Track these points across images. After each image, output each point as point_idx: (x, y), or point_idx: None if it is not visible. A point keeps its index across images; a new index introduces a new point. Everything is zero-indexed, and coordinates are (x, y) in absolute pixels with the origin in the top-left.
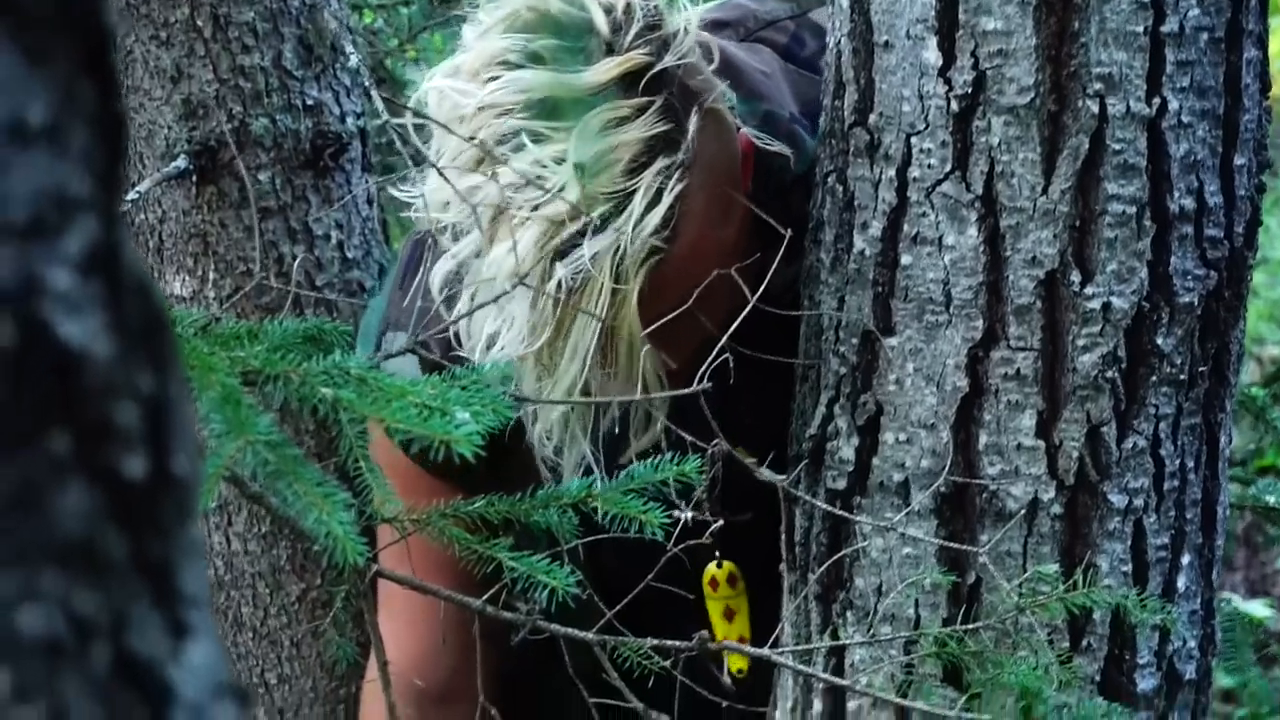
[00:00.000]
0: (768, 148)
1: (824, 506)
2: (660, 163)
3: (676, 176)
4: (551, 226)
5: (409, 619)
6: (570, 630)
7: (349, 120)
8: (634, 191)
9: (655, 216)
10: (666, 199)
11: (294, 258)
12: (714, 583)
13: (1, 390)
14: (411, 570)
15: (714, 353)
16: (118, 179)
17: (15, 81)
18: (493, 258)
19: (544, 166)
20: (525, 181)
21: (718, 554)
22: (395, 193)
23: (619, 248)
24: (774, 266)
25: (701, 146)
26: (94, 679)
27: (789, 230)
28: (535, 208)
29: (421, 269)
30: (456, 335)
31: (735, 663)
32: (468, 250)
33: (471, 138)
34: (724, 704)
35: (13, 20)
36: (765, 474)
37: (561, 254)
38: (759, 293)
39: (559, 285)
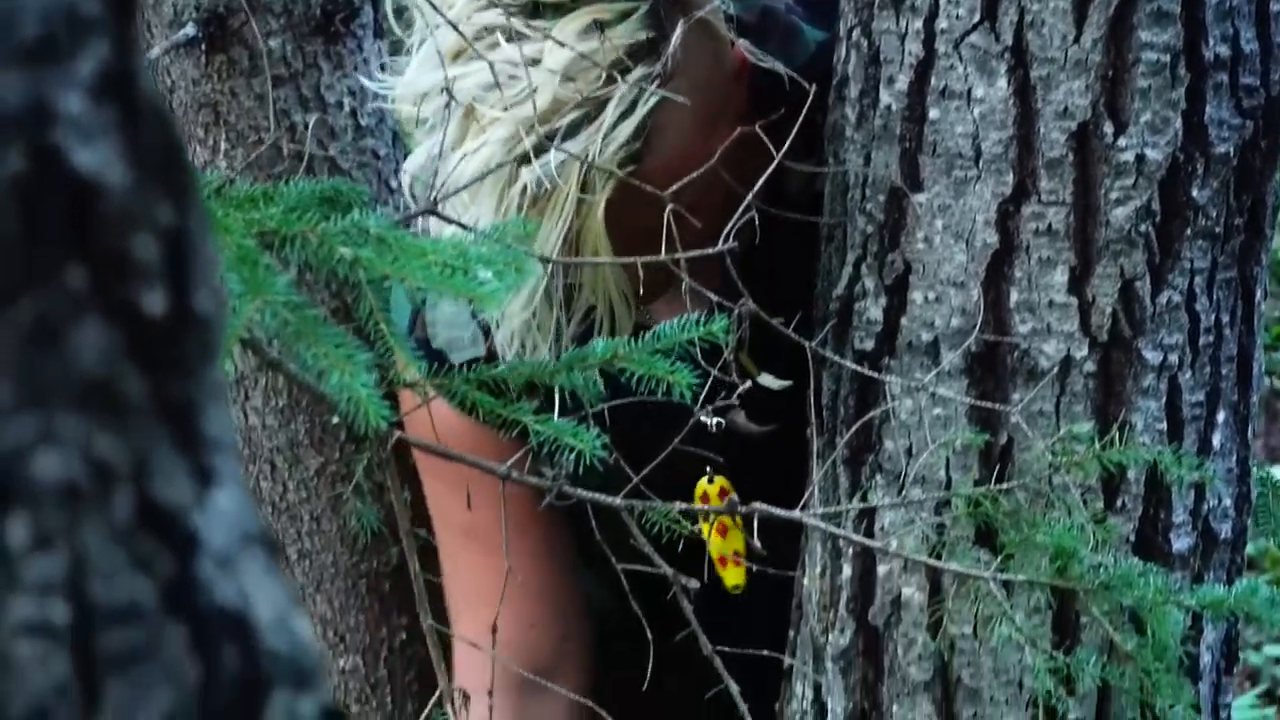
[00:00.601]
0: (761, 64)
1: (852, 366)
2: (639, 71)
3: (654, 86)
4: (520, 129)
5: (493, 604)
6: (597, 495)
7: None
8: (608, 100)
9: (628, 127)
10: (641, 110)
11: (306, 126)
12: (705, 498)
13: (13, 222)
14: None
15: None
16: (131, 4)
17: None
18: (460, 155)
19: (517, 66)
20: (497, 81)
21: (709, 469)
22: (368, 84)
23: (587, 156)
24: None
25: (685, 58)
26: (116, 527)
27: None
28: (506, 108)
29: None
30: None
31: (731, 578)
32: (437, 146)
33: (454, 26)
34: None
35: None
36: (789, 334)
37: (528, 159)
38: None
39: (523, 190)
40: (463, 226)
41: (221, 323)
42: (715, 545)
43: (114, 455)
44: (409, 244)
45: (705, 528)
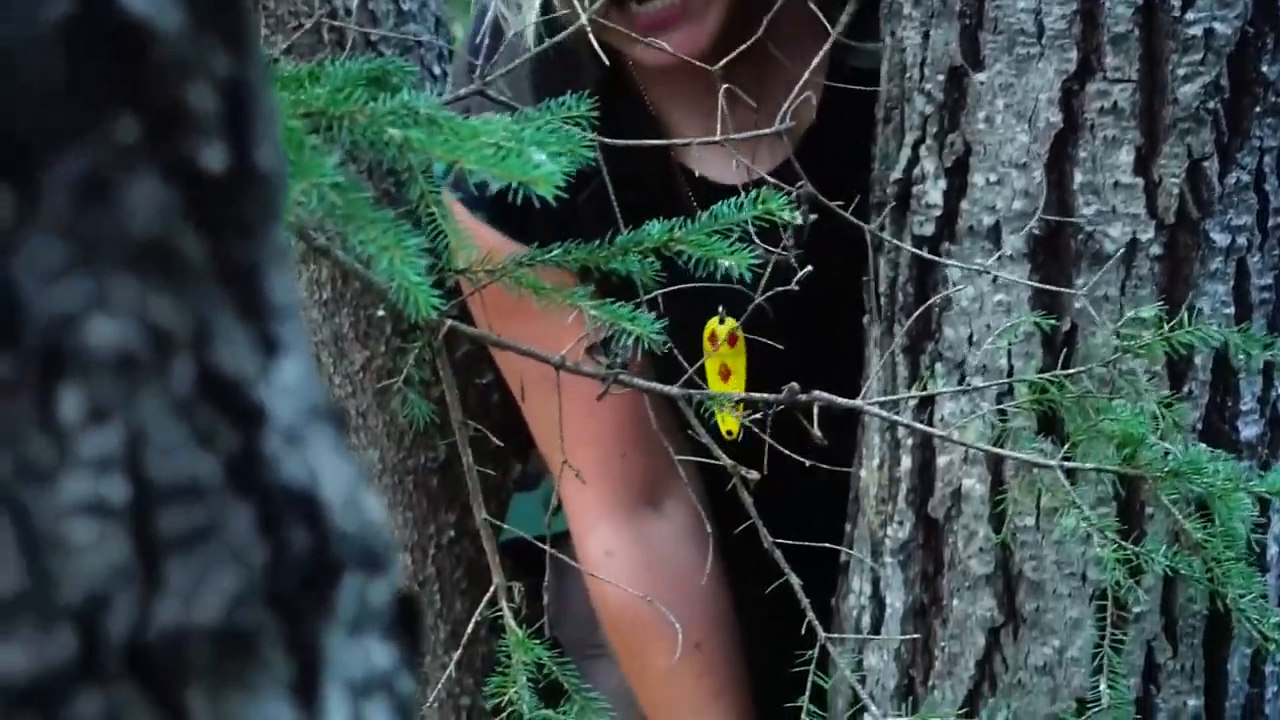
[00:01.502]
0: None
1: (911, 251)
2: None
3: None
4: None
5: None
6: (655, 385)
7: None
8: None
9: None
10: None
11: (347, 11)
12: (713, 338)
13: (58, 69)
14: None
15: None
16: None
17: None
18: None
19: None
20: None
21: (720, 309)
22: None
23: None
24: None
25: None
26: (175, 398)
27: None
28: None
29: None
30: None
31: (726, 424)
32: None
33: None
34: (808, 464)
35: None
36: (847, 216)
37: None
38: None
39: None
40: (510, 107)
41: (283, 180)
42: (715, 388)
43: (172, 321)
44: (459, 125)
45: (710, 366)
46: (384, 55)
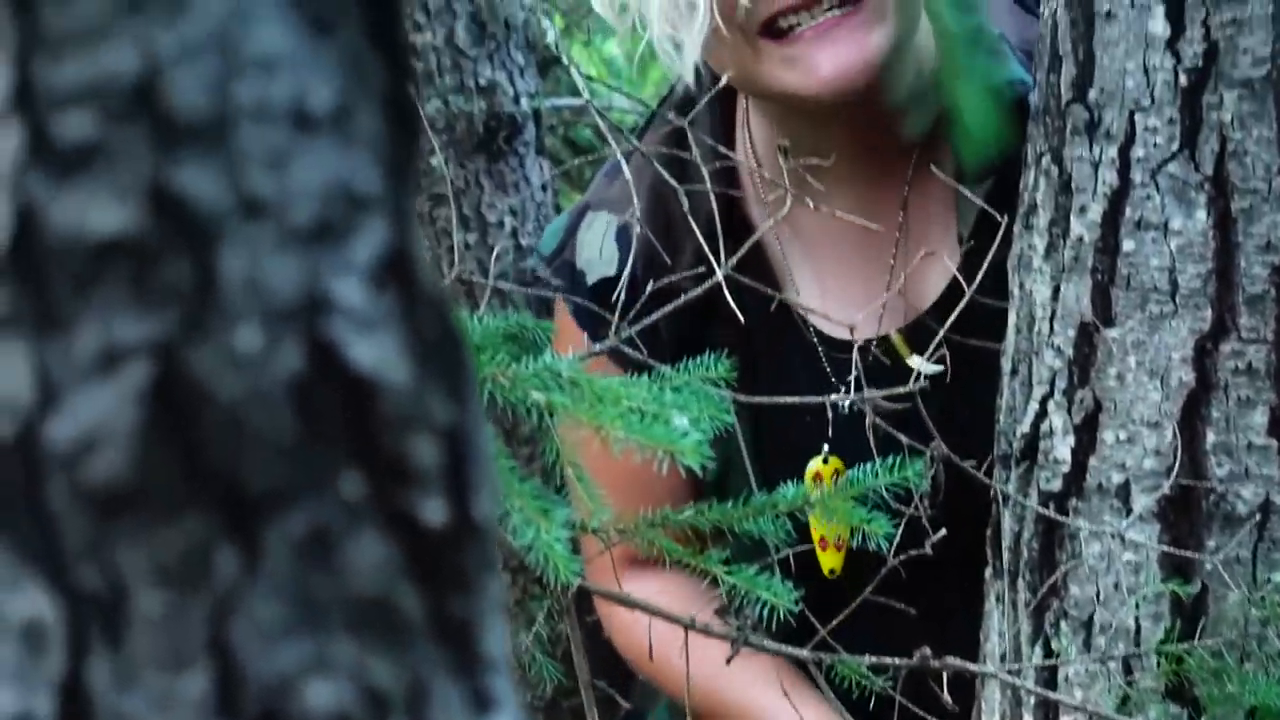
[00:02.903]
0: None
1: (1037, 508)
2: None
3: None
4: None
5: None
6: (785, 647)
7: (523, 101)
8: None
9: None
10: None
11: (467, 246)
12: (817, 478)
13: (288, 424)
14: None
15: None
16: (410, 171)
17: (298, 57)
18: None
19: None
20: None
21: (826, 447)
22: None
23: None
24: None
25: None
26: None
27: None
28: None
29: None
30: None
31: (828, 562)
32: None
33: None
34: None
35: None
36: (977, 475)
37: None
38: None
39: None
40: (648, 366)
41: (497, 528)
42: (817, 527)
43: (389, 683)
44: (601, 388)
45: (813, 522)
46: (503, 289)
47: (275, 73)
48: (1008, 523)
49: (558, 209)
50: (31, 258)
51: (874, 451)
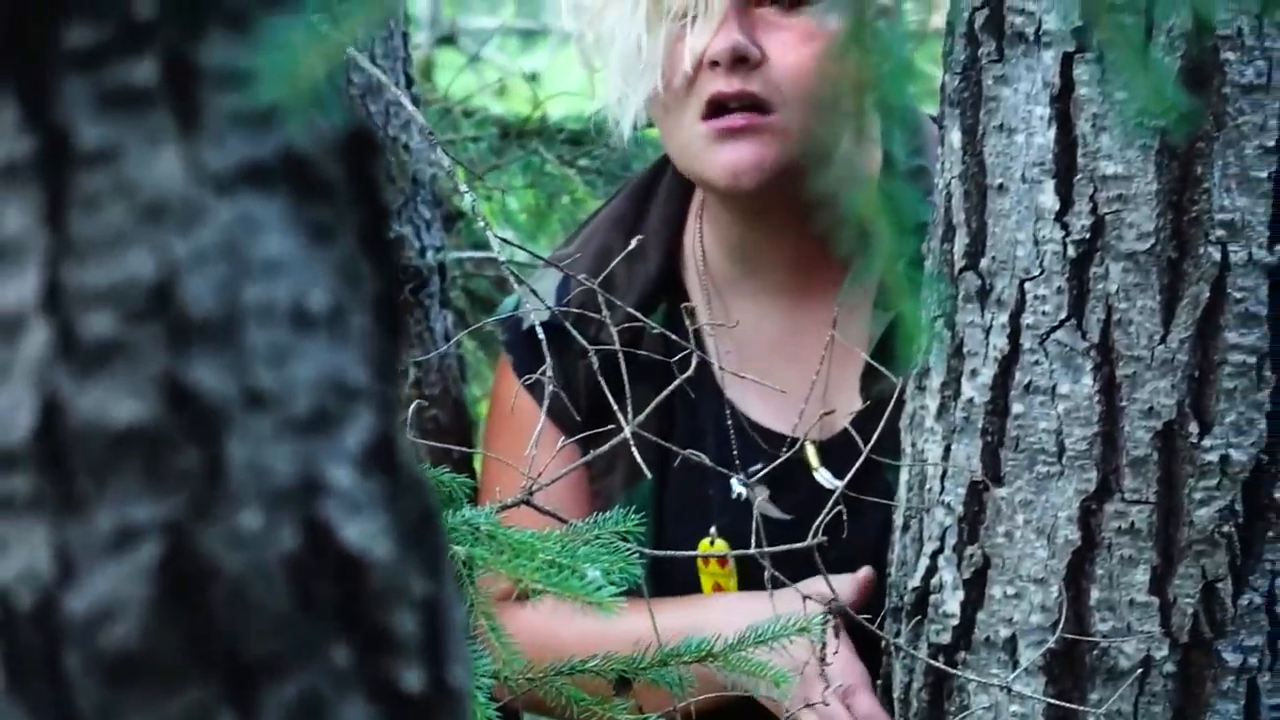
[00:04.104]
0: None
1: (927, 660)
2: None
3: None
4: None
5: None
6: None
7: (429, 254)
8: None
9: None
10: None
11: None
12: (705, 559)
13: (284, 599)
14: None
15: None
16: (395, 365)
17: (298, 263)
18: None
19: None
20: None
21: (713, 529)
22: None
23: None
24: None
25: None
26: None
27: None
28: None
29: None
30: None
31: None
32: None
33: None
34: None
35: (299, 190)
36: (874, 630)
37: None
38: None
39: None
40: (560, 520)
41: (470, 693)
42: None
43: None
44: (518, 541)
45: (705, 583)
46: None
47: (278, 277)
48: (898, 673)
49: (460, 360)
50: (55, 445)
51: (762, 542)
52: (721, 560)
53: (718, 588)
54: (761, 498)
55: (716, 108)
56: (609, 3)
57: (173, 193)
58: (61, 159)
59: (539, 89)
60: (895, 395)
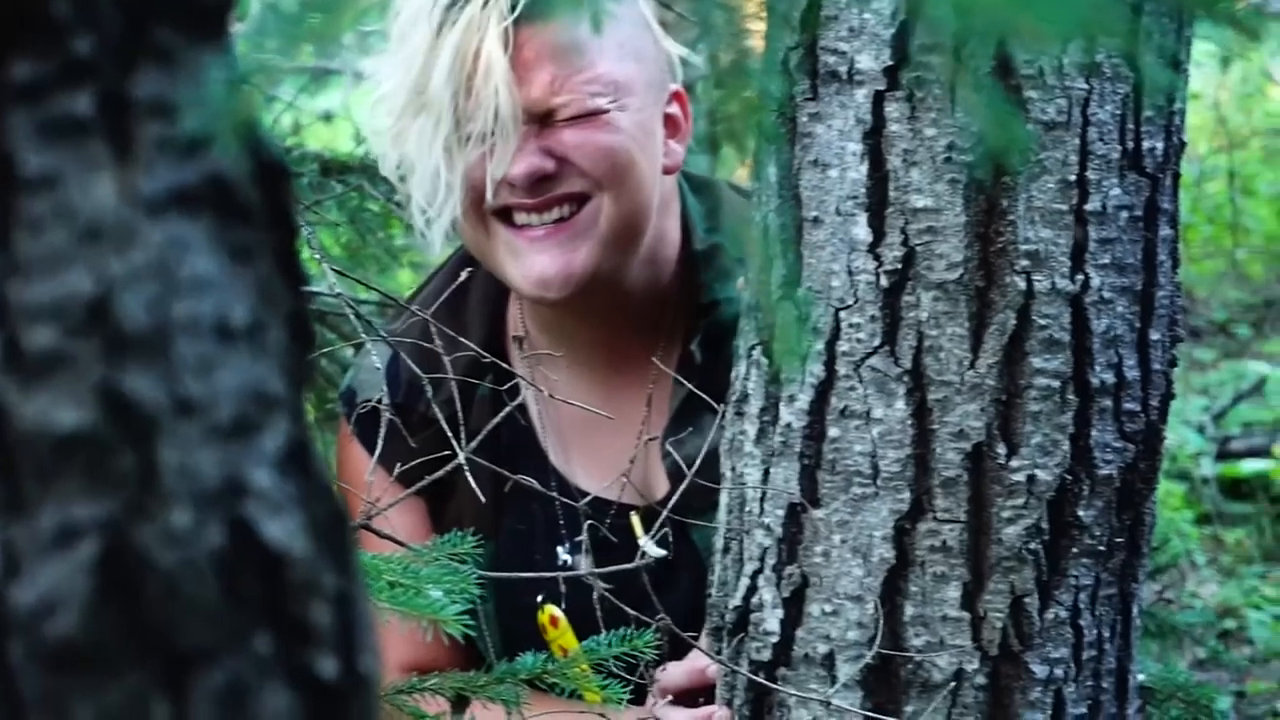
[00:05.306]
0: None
1: (748, 676)
2: None
3: None
4: None
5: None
6: None
7: None
8: None
9: None
10: None
11: None
12: (543, 627)
13: (212, 592)
14: None
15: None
16: (307, 375)
17: (222, 281)
18: None
19: None
20: None
21: (540, 597)
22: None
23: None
24: None
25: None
26: None
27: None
28: None
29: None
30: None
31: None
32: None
33: None
34: None
35: (222, 213)
36: (698, 647)
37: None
38: None
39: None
40: (398, 544)
41: (380, 682)
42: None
43: None
44: (365, 564)
45: (553, 649)
46: None
47: (204, 294)
48: (720, 690)
49: None
50: (2, 449)
51: (594, 605)
52: (553, 620)
53: (563, 651)
54: (587, 563)
55: (521, 220)
56: (409, 129)
57: (108, 216)
58: (7, 184)
59: (337, 128)
60: (701, 463)
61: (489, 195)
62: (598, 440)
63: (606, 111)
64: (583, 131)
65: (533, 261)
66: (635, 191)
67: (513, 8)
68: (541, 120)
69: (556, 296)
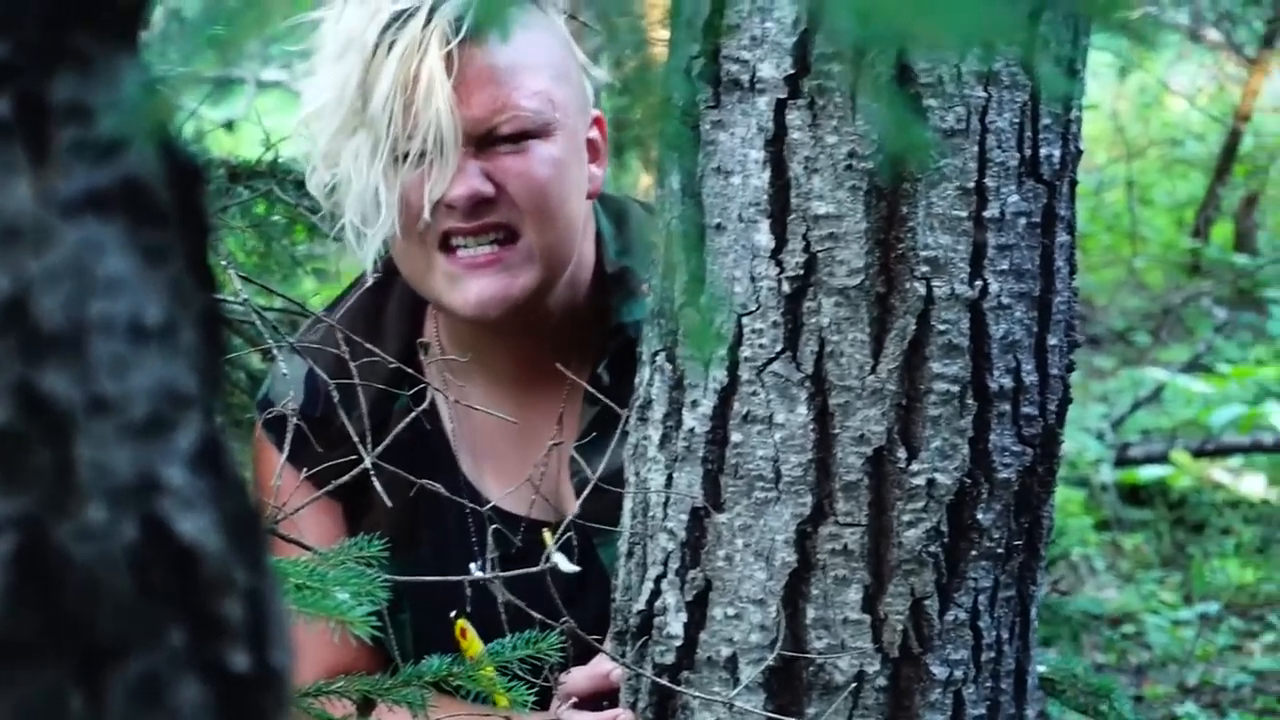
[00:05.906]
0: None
1: (652, 678)
2: None
3: None
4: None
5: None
6: None
7: None
8: None
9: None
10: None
11: None
12: (462, 632)
13: (126, 586)
14: None
15: None
16: (219, 375)
17: (135, 281)
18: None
19: None
20: None
21: (452, 614)
22: None
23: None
24: None
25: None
26: None
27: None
28: None
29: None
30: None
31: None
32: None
33: None
34: None
35: (136, 215)
36: (603, 650)
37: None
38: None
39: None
40: (305, 547)
41: (292, 675)
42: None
43: None
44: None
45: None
46: None
47: (119, 294)
48: (624, 694)
49: None
50: None
51: (503, 618)
52: (463, 633)
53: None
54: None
55: (458, 244)
56: (344, 146)
57: (25, 217)
58: None
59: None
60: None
61: (426, 215)
62: (511, 457)
63: (547, 129)
64: (522, 158)
65: (470, 285)
66: (564, 224)
67: (456, 29)
68: (479, 142)
69: (496, 317)
